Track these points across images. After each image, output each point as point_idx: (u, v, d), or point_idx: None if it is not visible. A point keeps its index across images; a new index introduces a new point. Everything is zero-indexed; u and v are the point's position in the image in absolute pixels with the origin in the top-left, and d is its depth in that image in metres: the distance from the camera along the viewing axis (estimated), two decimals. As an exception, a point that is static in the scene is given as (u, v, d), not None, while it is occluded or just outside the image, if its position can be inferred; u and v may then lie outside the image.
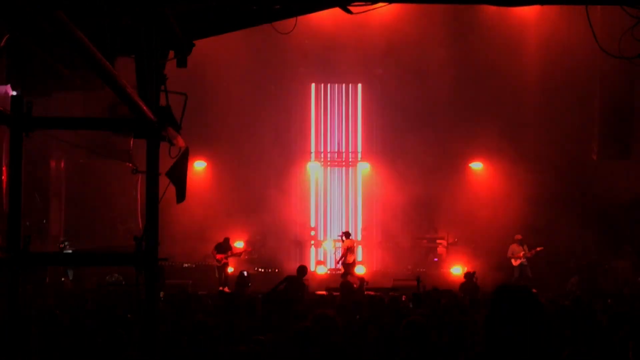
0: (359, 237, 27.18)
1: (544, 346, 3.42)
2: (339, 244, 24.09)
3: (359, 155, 28.05)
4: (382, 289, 19.53)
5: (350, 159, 28.22)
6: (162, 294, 13.94)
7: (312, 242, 27.23)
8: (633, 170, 21.92)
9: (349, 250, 22.55)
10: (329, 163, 28.20)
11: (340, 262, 22.81)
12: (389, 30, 23.57)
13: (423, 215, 25.72)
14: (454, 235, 25.54)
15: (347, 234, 23.42)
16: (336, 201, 27.95)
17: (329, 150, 28.16)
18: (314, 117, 27.90)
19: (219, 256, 22.14)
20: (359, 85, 27.88)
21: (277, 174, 26.65)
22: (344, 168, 28.24)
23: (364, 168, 27.83)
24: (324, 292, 18.48)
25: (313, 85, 27.89)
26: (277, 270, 23.86)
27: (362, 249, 27.12)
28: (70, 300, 14.39)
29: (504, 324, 3.45)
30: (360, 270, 22.79)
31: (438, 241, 25.70)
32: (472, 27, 23.29)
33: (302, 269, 17.61)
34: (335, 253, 23.99)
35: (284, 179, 26.88)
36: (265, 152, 26.24)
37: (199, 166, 25.58)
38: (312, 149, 27.99)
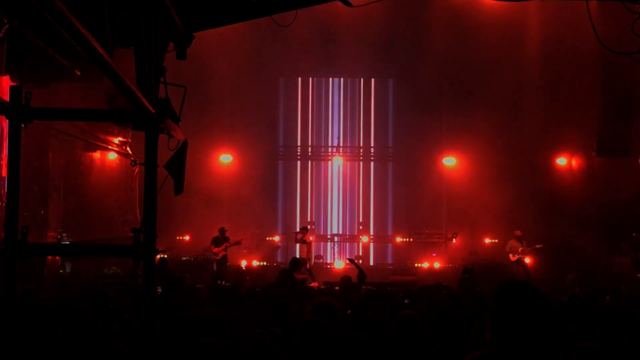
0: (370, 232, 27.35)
1: (548, 341, 3.43)
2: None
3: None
4: (380, 284, 19.51)
5: (350, 154, 28.27)
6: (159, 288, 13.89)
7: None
8: (632, 168, 21.90)
9: (307, 246, 22.60)
10: (336, 157, 28.28)
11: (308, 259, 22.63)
12: (390, 22, 23.56)
13: (424, 210, 25.75)
14: (453, 230, 25.59)
15: (305, 229, 23.32)
16: (337, 196, 28.00)
17: (325, 144, 28.21)
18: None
19: (215, 249, 22.12)
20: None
21: (277, 167, 26.74)
22: (341, 162, 28.28)
23: (368, 163, 27.98)
24: (322, 287, 18.49)
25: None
26: (274, 264, 23.92)
27: (370, 244, 27.32)
28: (68, 292, 14.36)
29: (509, 320, 3.45)
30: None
31: (436, 236, 25.72)
32: (471, 19, 23.21)
33: (294, 262, 17.62)
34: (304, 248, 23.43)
35: (285, 173, 26.99)
36: (265, 145, 26.29)
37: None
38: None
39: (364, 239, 27.23)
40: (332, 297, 8.44)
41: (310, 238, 23.75)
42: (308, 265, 22.13)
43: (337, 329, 6.39)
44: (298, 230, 23.77)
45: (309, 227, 24.24)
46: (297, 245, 23.91)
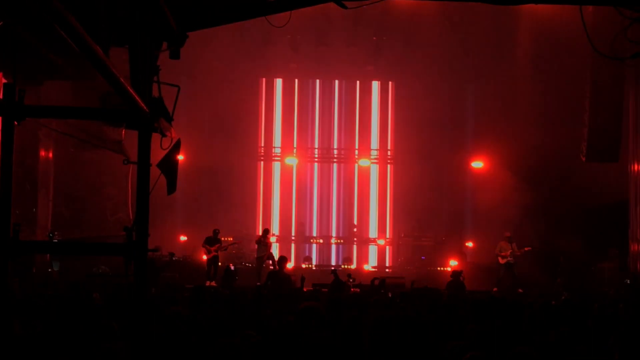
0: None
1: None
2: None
3: (356, 152, 28.17)
4: (369, 286, 19.54)
5: (344, 155, 28.28)
6: (153, 289, 13.87)
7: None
8: (621, 173, 22.00)
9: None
10: (328, 159, 28.26)
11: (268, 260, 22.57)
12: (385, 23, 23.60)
13: (413, 213, 25.78)
14: (441, 234, 25.62)
15: (267, 231, 23.24)
16: (327, 198, 28.00)
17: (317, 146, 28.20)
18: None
19: (210, 248, 22.05)
20: (358, 82, 28.01)
21: (270, 169, 26.74)
22: (334, 164, 28.28)
23: (358, 164, 28.02)
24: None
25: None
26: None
27: (356, 246, 27.32)
28: (57, 291, 14.32)
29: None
30: None
31: (424, 239, 25.70)
32: (464, 23, 23.27)
33: (283, 259, 17.58)
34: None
35: (278, 174, 27.02)
36: (255, 147, 26.27)
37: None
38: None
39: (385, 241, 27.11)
40: (317, 302, 8.46)
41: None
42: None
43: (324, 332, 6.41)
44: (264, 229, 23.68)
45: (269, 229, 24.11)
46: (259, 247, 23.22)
